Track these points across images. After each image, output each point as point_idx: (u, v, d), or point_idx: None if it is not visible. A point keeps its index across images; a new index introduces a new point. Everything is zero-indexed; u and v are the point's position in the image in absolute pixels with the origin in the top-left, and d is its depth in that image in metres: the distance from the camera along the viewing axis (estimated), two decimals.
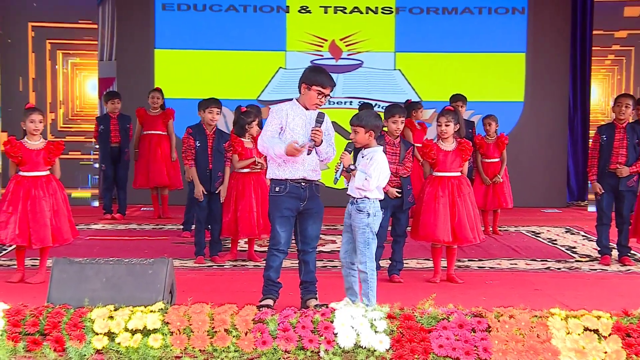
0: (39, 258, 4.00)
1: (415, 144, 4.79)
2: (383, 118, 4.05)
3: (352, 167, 3.17)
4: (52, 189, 3.92)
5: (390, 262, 4.10)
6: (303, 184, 3.24)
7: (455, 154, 3.97)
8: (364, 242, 3.21)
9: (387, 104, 5.07)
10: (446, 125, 3.94)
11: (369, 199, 3.21)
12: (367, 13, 7.31)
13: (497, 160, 5.58)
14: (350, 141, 3.25)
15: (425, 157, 4.01)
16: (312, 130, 3.18)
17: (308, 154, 3.20)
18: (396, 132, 3.99)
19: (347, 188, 3.24)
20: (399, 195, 3.97)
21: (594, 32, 7.29)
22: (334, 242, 5.09)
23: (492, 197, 5.56)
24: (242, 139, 4.45)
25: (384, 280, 4.03)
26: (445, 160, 3.96)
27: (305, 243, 3.31)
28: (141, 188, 6.21)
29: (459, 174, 3.99)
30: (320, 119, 3.21)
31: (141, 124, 6.11)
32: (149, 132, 6.09)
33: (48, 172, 3.94)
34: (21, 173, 3.92)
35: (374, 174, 3.19)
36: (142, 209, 6.65)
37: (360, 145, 3.24)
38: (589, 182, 4.63)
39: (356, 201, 3.20)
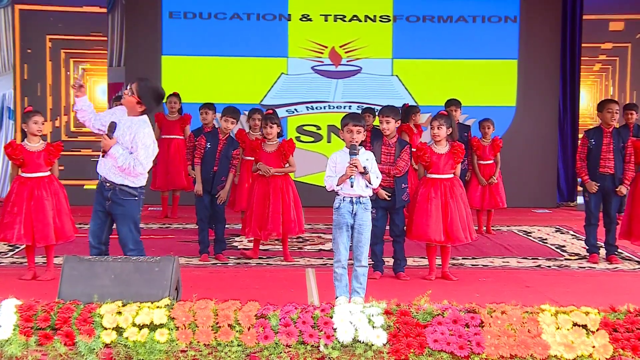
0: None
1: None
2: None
3: (366, 169, 3.24)
4: (54, 189, 4.00)
5: (394, 260, 4.19)
6: (107, 184, 3.31)
7: (448, 156, 4.05)
8: (369, 238, 3.32)
9: None
10: (438, 129, 4.03)
11: (369, 197, 3.33)
12: (365, 21, 7.41)
13: (491, 162, 5.71)
14: (353, 145, 3.31)
15: (419, 160, 4.09)
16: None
17: (102, 157, 3.29)
18: (384, 131, 4.07)
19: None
20: (389, 199, 4.05)
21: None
22: None
23: (489, 198, 5.68)
24: (263, 142, 4.55)
25: (388, 276, 4.13)
26: (438, 162, 4.04)
27: (121, 245, 3.34)
28: (159, 190, 6.26)
29: (451, 175, 4.08)
30: (110, 128, 3.28)
31: (159, 128, 6.17)
32: (167, 136, 6.17)
33: (49, 173, 4.02)
34: (23, 174, 3.99)
35: (379, 172, 3.33)
36: (149, 208, 6.72)
37: (357, 144, 3.34)
38: (584, 182, 4.67)
39: (363, 200, 3.29)
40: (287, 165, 4.54)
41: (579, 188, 6.86)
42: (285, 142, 4.53)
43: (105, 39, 7.32)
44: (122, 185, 3.31)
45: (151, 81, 3.44)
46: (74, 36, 7.13)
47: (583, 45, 7.43)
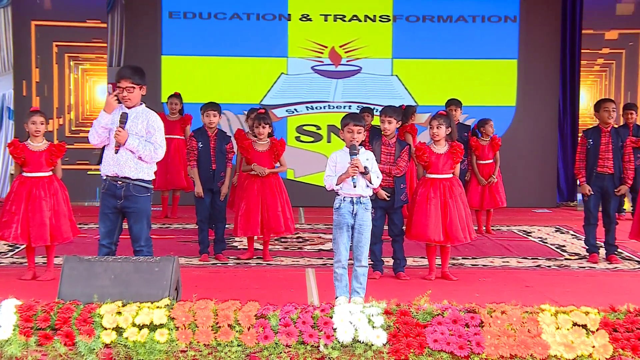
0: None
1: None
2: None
3: (367, 169, 3.25)
4: (54, 190, 4.00)
5: (393, 260, 4.20)
6: (119, 182, 3.27)
7: (447, 156, 4.05)
8: (369, 238, 3.33)
9: None
10: (437, 128, 4.03)
11: (369, 197, 3.34)
12: (365, 21, 7.43)
13: (491, 161, 5.71)
14: (353, 145, 3.30)
15: (418, 160, 4.10)
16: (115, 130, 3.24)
17: (115, 153, 3.25)
18: (385, 131, 4.09)
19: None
20: (388, 199, 4.05)
21: (584, 32, 7.41)
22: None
23: (489, 197, 5.68)
24: (253, 142, 4.54)
25: (388, 276, 4.14)
26: (437, 162, 4.04)
27: (132, 241, 3.34)
28: (159, 189, 6.24)
29: (450, 175, 4.08)
30: (122, 120, 3.25)
31: None
32: (168, 136, 6.16)
33: (50, 173, 4.02)
34: (24, 174, 4.00)
35: (379, 172, 3.33)
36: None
37: (358, 144, 3.34)
38: (579, 183, 4.75)
39: (363, 200, 3.30)
40: (278, 165, 4.54)
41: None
42: (277, 142, 4.53)
43: (105, 44, 7.28)
44: (138, 179, 3.29)
45: (128, 65, 3.44)
46: (77, 42, 7.03)
47: (585, 32, 7.42)
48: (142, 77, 3.36)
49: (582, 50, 7.48)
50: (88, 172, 7.09)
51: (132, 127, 3.30)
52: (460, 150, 4.08)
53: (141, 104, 3.39)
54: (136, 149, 3.26)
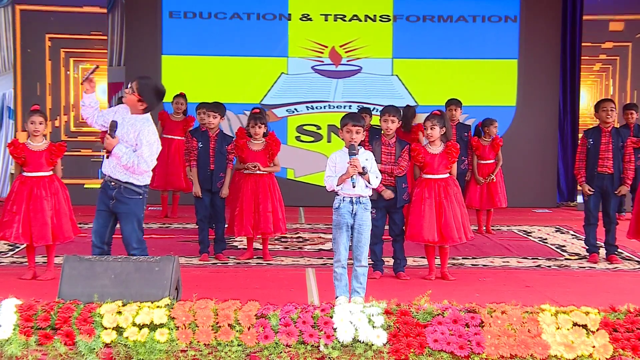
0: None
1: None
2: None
3: (365, 169, 3.25)
4: (54, 189, 4.00)
5: (393, 260, 4.20)
6: (112, 183, 3.32)
7: (442, 156, 4.05)
8: (368, 238, 3.33)
9: None
10: (431, 129, 4.02)
11: (369, 197, 3.34)
12: (365, 21, 7.43)
13: (492, 161, 5.70)
14: (352, 144, 3.30)
15: (414, 160, 4.10)
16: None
17: (106, 157, 3.31)
18: (386, 130, 4.09)
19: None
20: (392, 197, 4.06)
21: (582, 44, 7.49)
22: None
23: (487, 197, 5.67)
24: (248, 141, 4.54)
25: (388, 276, 4.14)
26: (432, 162, 4.04)
27: (124, 244, 3.36)
28: (158, 189, 6.24)
29: (446, 175, 4.07)
30: (112, 128, 3.28)
31: (162, 127, 6.17)
32: (169, 136, 6.19)
33: (51, 173, 4.02)
34: (25, 173, 4.00)
35: (379, 172, 3.33)
36: (149, 208, 6.74)
37: (357, 144, 3.34)
38: (579, 183, 4.76)
39: (363, 200, 3.30)
40: (272, 164, 4.54)
41: (579, 188, 6.89)
42: (272, 142, 4.52)
43: (105, 38, 7.37)
44: (127, 183, 3.32)
45: (151, 79, 3.47)
46: (82, 49, 7.24)
47: (583, 44, 7.47)
48: (146, 93, 3.33)
49: (584, 44, 7.48)
50: (92, 160, 7.25)
51: (124, 135, 3.32)
52: (455, 150, 4.08)
53: (143, 114, 3.36)
54: (120, 157, 3.28)
